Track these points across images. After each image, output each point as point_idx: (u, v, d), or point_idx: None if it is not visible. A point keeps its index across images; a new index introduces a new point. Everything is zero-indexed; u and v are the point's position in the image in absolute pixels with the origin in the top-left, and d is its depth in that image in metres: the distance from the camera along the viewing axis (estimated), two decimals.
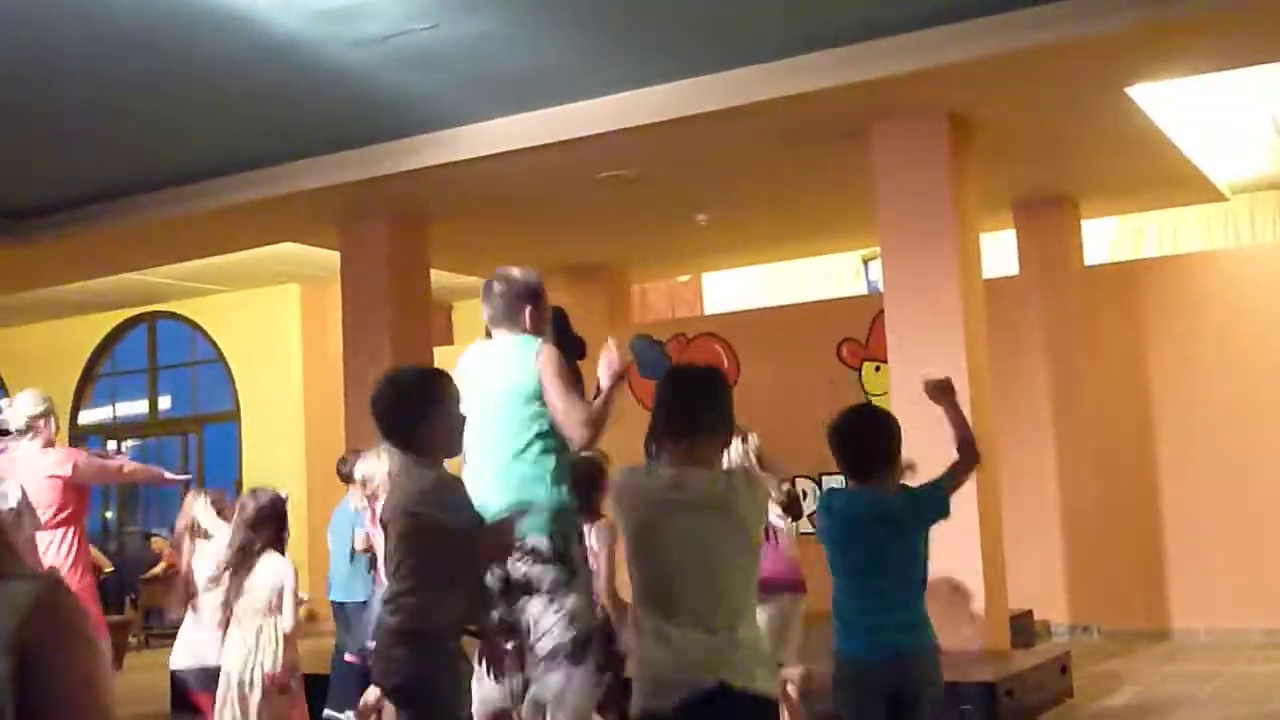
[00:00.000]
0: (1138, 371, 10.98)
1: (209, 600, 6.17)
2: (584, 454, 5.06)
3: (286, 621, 5.89)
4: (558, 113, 8.46)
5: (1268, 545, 10.21)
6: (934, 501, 4.47)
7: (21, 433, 6.88)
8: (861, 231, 10.74)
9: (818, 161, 9.52)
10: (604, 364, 4.61)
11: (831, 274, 13.94)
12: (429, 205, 10.27)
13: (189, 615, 6.33)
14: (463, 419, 4.08)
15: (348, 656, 7.24)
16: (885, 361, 9.10)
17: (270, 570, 5.91)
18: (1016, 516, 9.59)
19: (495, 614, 4.56)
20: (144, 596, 13.72)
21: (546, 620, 4.52)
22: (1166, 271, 11.28)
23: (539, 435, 4.68)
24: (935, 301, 8.52)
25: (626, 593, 3.87)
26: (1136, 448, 10.88)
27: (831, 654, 4.29)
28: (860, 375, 11.96)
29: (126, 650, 12.31)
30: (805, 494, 8.40)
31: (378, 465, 6.36)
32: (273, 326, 14.74)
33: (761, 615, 4.34)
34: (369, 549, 7.06)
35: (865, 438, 4.55)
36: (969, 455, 4.61)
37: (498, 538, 4.14)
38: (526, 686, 4.65)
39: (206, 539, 6.38)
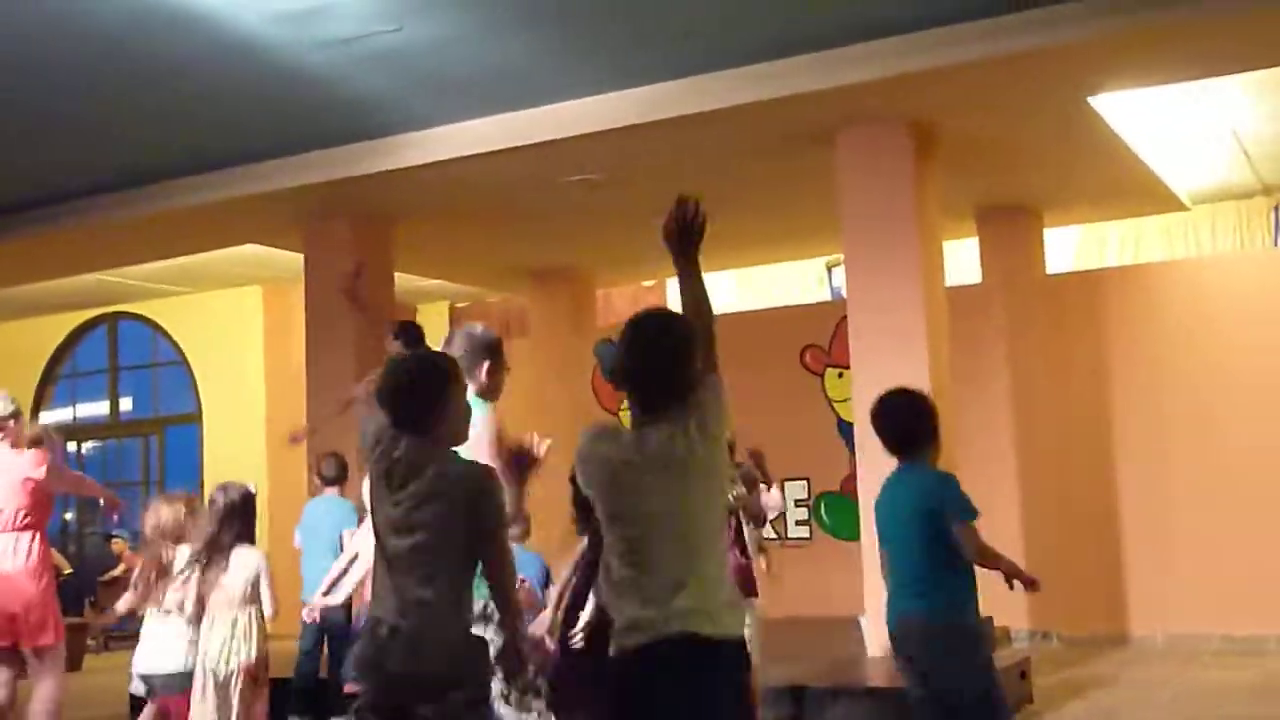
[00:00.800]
0: (1099, 379, 11.05)
1: (174, 601, 6.17)
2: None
3: (268, 608, 6.07)
4: (523, 116, 8.46)
5: (1226, 552, 10.30)
6: (959, 501, 4.83)
7: None
8: (826, 238, 10.77)
9: (783, 168, 9.54)
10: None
11: (796, 280, 13.96)
12: (393, 207, 10.25)
13: (153, 618, 6.28)
14: (469, 406, 4.11)
15: (349, 688, 7.19)
16: (848, 368, 9.13)
17: (244, 562, 6.02)
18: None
19: None
20: (102, 598, 13.61)
21: None
22: (1128, 281, 11.37)
23: None
24: (898, 308, 8.55)
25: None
26: (1097, 455, 10.95)
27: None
28: (823, 381, 12.01)
29: (85, 652, 12.22)
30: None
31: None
32: (235, 328, 14.65)
33: None
34: None
35: (903, 417, 4.96)
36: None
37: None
38: None
39: (178, 542, 6.34)
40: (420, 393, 3.91)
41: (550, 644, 5.21)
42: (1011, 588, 4.84)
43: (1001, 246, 11.39)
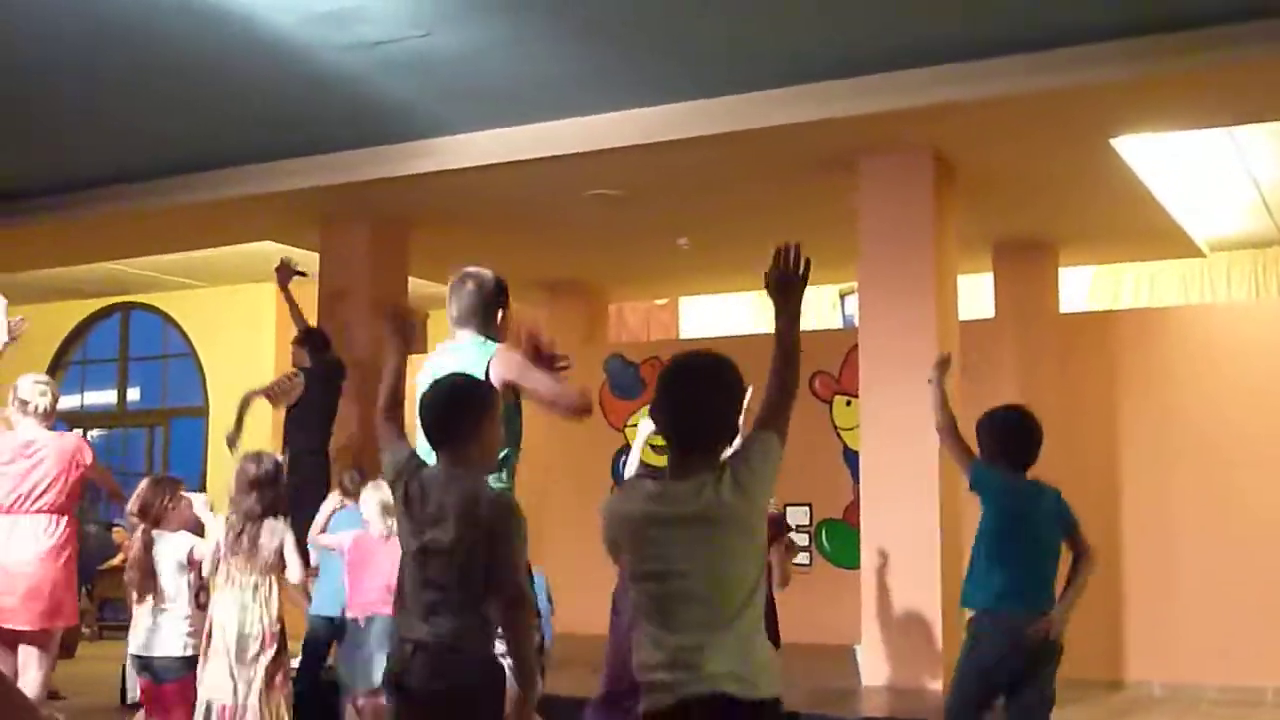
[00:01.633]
0: (1108, 421, 11.01)
1: (176, 587, 6.21)
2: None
3: (296, 573, 6.26)
4: (546, 128, 8.47)
5: (1231, 602, 10.24)
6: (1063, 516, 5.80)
7: (43, 414, 6.98)
8: (841, 265, 10.76)
9: (802, 193, 9.55)
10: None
11: (808, 306, 13.94)
12: (412, 212, 10.27)
13: (151, 605, 6.28)
14: (501, 434, 4.20)
15: (360, 701, 7.17)
16: (856, 396, 9.11)
17: (272, 531, 6.15)
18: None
19: None
20: (100, 588, 13.62)
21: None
22: (1141, 323, 11.34)
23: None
24: (910, 339, 8.54)
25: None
26: (1101, 497, 10.90)
27: None
28: (831, 408, 11.99)
29: (80, 640, 12.21)
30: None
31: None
32: (247, 324, 14.66)
33: None
34: None
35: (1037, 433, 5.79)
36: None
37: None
38: None
39: (156, 525, 6.36)
40: (458, 412, 3.98)
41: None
42: None
43: (1016, 282, 11.37)
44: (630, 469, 6.65)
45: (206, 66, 7.53)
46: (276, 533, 6.17)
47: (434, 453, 4.07)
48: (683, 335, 14.86)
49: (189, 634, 6.20)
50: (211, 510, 6.52)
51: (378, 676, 6.54)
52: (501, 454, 4.72)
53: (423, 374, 4.69)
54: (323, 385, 9.74)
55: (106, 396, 16.18)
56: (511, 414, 4.87)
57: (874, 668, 8.48)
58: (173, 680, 6.20)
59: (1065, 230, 10.88)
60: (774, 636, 6.52)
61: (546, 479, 11.74)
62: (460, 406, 4.00)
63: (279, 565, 6.19)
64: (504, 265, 11.84)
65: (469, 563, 3.83)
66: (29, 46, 7.28)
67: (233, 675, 5.99)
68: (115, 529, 13.88)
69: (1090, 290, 12.98)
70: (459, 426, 3.97)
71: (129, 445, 15.81)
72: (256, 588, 6.10)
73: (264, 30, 6.95)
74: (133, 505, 6.38)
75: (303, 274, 10.28)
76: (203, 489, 10.68)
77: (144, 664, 6.27)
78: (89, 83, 7.87)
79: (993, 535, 5.64)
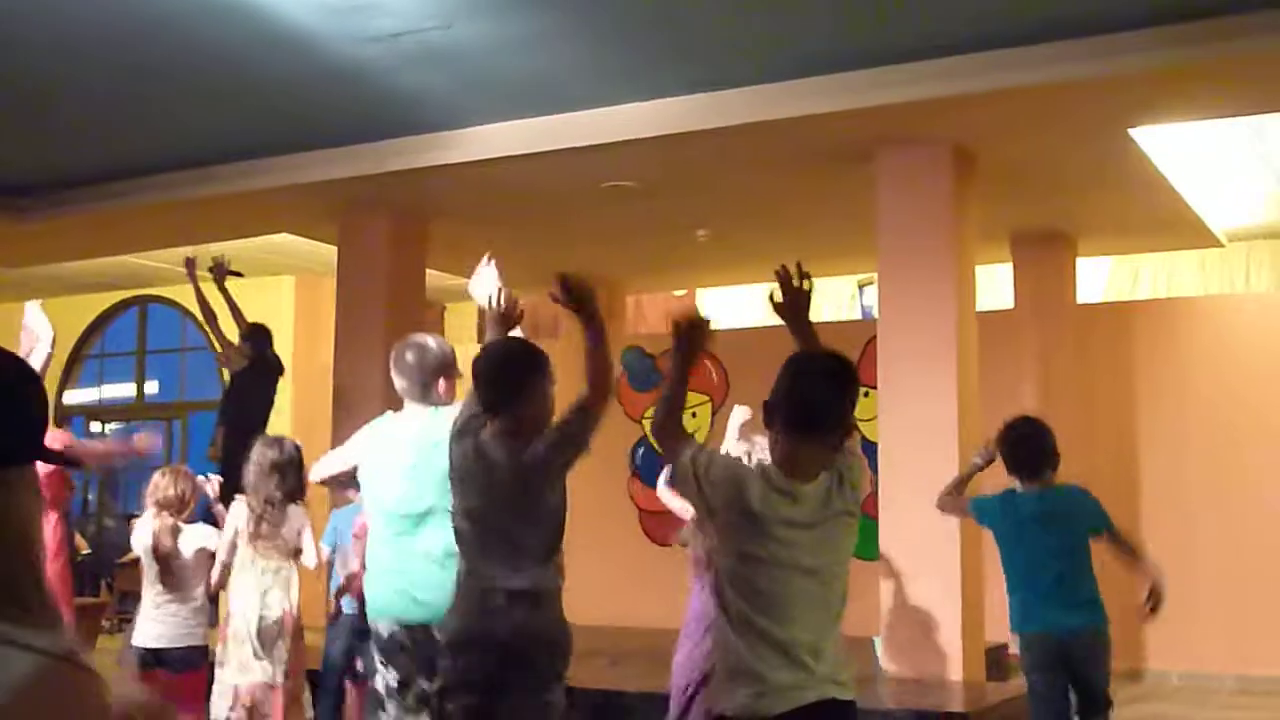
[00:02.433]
0: (1126, 411, 11.00)
1: (198, 578, 6.24)
2: None
3: (311, 558, 6.35)
4: (565, 120, 8.47)
5: (1249, 592, 10.24)
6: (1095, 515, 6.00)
7: None
8: (859, 256, 10.76)
9: (821, 184, 9.54)
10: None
11: (826, 298, 13.96)
12: (430, 205, 10.28)
13: (157, 593, 6.30)
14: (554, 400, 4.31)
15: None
16: (874, 387, 9.11)
17: (293, 516, 6.24)
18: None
19: (395, 673, 4.79)
20: (119, 580, 13.67)
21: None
22: (1160, 314, 11.33)
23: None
24: (929, 330, 8.53)
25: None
26: (1119, 487, 10.88)
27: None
28: None
29: (100, 633, 12.28)
30: None
31: None
32: (265, 317, 14.58)
33: None
34: None
35: (1040, 440, 5.83)
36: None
37: None
38: None
39: (178, 516, 6.38)
40: (508, 374, 4.15)
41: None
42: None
43: (1034, 273, 11.36)
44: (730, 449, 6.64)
45: (225, 59, 7.54)
46: (296, 518, 6.22)
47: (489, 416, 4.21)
48: None
49: (202, 624, 6.24)
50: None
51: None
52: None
53: (374, 434, 4.97)
54: (260, 376, 10.53)
55: (125, 390, 16.24)
56: None
57: (893, 659, 8.48)
58: (189, 671, 6.22)
59: (1084, 221, 10.86)
60: None
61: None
62: (508, 370, 4.18)
63: (297, 552, 6.26)
64: (522, 256, 11.97)
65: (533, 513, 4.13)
66: (50, 41, 7.30)
67: (256, 657, 6.02)
68: (134, 521, 13.94)
69: (1108, 281, 12.95)
70: (510, 389, 4.15)
71: None
72: (278, 571, 6.17)
73: (283, 23, 6.95)
74: (157, 496, 6.41)
75: (239, 274, 10.55)
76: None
77: (157, 657, 6.26)
78: (108, 78, 7.89)
79: (1004, 562, 5.99)
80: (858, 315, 13.77)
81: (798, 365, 3.51)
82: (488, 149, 8.78)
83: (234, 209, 10.23)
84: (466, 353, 4.97)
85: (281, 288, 14.63)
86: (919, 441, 8.41)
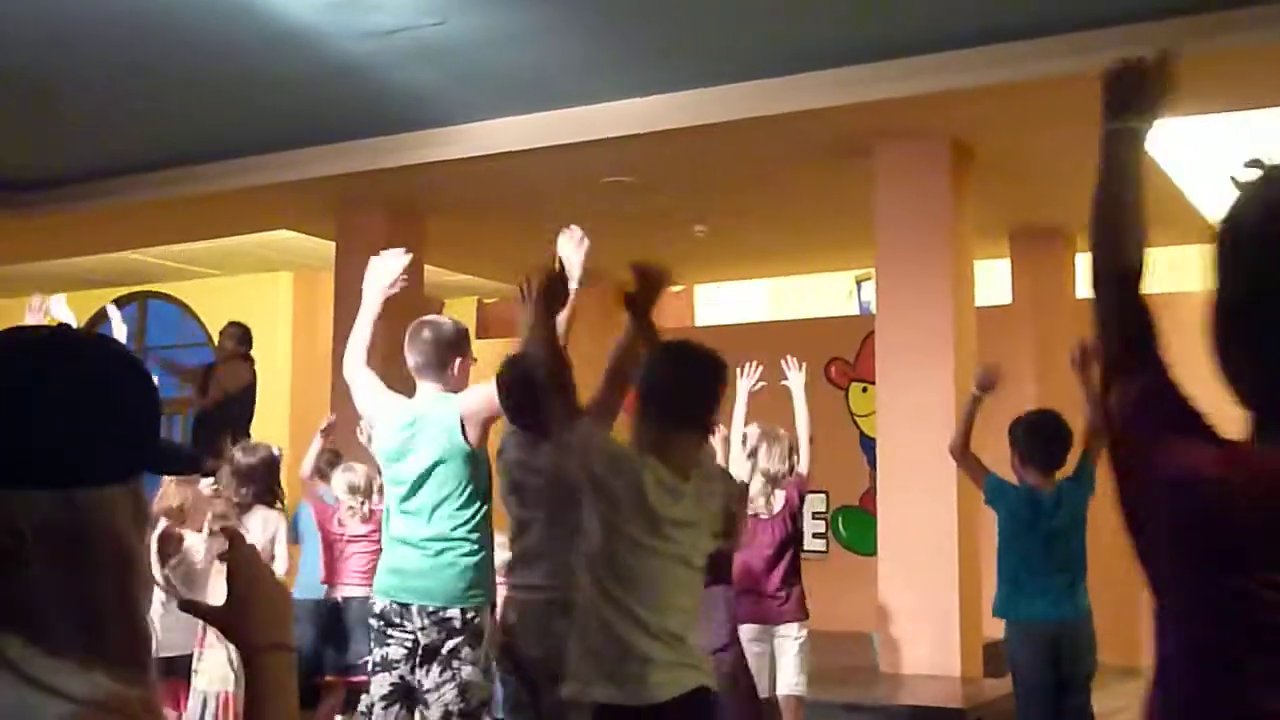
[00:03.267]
0: None
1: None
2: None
3: (282, 565, 6.30)
4: (562, 115, 8.46)
5: None
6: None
7: None
8: (857, 251, 10.76)
9: (819, 179, 9.53)
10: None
11: (824, 293, 13.96)
12: (428, 200, 10.27)
13: (169, 604, 6.28)
14: None
15: (329, 678, 7.22)
16: (873, 383, 9.11)
17: (262, 522, 6.21)
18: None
19: (396, 675, 4.75)
20: None
21: (444, 688, 4.66)
22: (1159, 309, 11.30)
23: (473, 495, 4.82)
24: (927, 325, 8.53)
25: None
26: None
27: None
28: (847, 395, 11.98)
29: None
30: None
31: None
32: (264, 313, 14.65)
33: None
34: None
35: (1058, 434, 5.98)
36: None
37: None
38: None
39: (183, 525, 6.37)
40: (532, 386, 4.06)
41: None
42: None
43: (1033, 268, 11.36)
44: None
45: (223, 56, 7.53)
46: (270, 522, 6.19)
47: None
48: (698, 323, 14.86)
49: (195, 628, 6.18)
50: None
51: (353, 656, 6.64)
52: (475, 511, 4.73)
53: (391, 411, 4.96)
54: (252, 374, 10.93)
55: None
56: (478, 461, 4.88)
57: (891, 654, 8.48)
58: (177, 677, 6.19)
59: (1082, 216, 10.56)
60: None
61: None
62: (530, 383, 4.14)
63: (271, 555, 6.20)
64: (518, 252, 11.90)
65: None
66: (48, 37, 7.29)
67: (232, 664, 5.95)
68: None
69: None
70: (534, 400, 4.10)
71: None
72: None
73: (280, 19, 6.95)
74: (167, 504, 6.39)
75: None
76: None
77: (168, 666, 6.24)
78: (106, 74, 7.88)
79: (1002, 546, 6.01)
80: (856, 310, 13.76)
81: (675, 354, 3.54)
82: (485, 145, 8.77)
83: (232, 205, 10.23)
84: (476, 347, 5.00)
85: (279, 284, 14.62)
86: (917, 436, 8.40)
